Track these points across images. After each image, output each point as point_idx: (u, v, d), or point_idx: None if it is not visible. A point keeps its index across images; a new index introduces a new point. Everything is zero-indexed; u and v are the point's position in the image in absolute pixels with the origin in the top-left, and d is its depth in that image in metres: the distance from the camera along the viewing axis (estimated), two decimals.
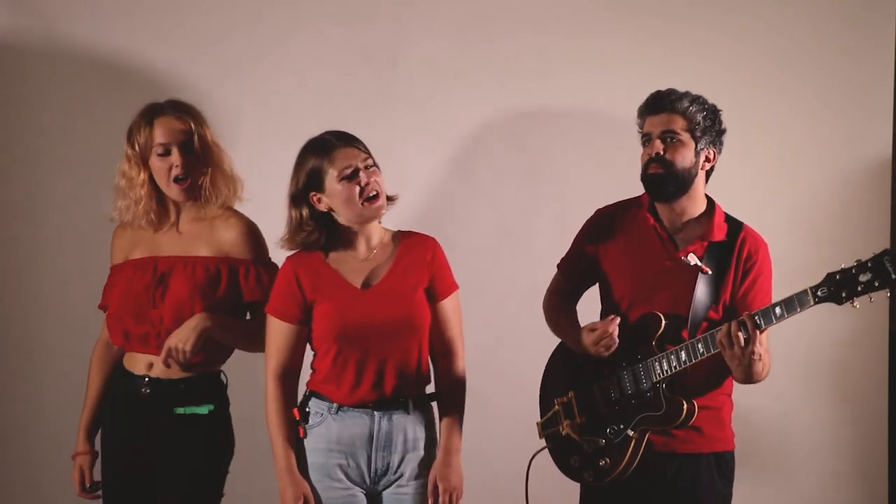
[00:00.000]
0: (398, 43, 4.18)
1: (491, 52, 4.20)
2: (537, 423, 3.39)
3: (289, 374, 3.15)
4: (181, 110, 3.24)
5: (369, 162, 3.12)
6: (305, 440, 3.13)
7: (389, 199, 3.15)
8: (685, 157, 3.24)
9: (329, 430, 3.10)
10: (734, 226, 3.30)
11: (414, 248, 3.16)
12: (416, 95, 4.17)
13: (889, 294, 2.92)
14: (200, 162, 3.23)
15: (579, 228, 3.45)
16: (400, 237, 3.19)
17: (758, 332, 3.04)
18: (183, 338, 3.17)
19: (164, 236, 3.28)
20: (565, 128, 4.23)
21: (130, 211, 3.25)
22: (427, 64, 4.19)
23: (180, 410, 3.23)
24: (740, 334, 3.03)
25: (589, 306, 3.47)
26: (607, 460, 3.22)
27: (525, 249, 4.11)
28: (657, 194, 3.27)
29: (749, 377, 3.14)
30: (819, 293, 2.97)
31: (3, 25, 4.00)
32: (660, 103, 3.26)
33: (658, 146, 3.23)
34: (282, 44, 4.13)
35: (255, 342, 3.25)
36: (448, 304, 3.18)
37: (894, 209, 4.34)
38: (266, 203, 4.12)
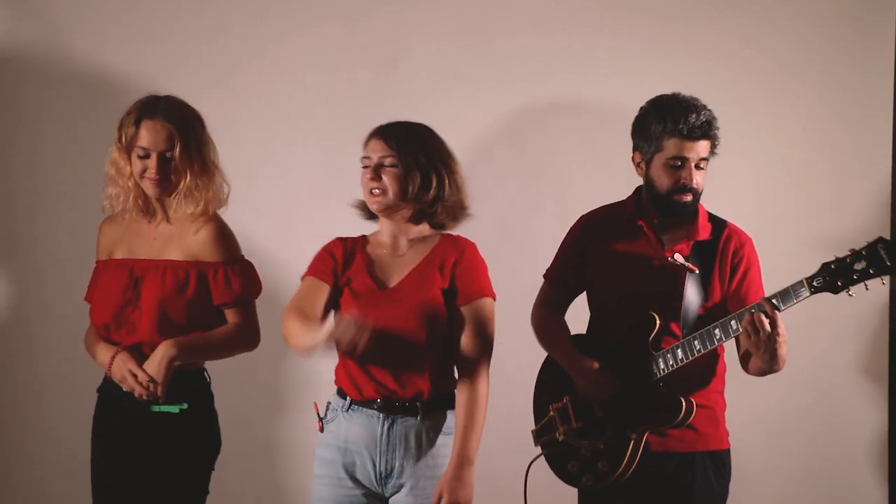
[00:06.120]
0: (398, 43, 4.18)
1: (491, 52, 4.20)
2: (532, 432, 3.38)
3: (303, 313, 3.06)
4: (171, 117, 3.22)
5: (389, 161, 3.09)
6: (321, 435, 3.12)
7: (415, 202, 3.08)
8: (704, 179, 3.23)
9: (339, 427, 3.09)
10: (718, 224, 3.29)
11: (444, 249, 3.10)
12: (416, 95, 4.16)
13: (884, 282, 2.92)
14: (179, 170, 3.23)
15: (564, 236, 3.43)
16: (440, 238, 3.13)
17: (778, 314, 3.00)
18: (154, 372, 3.21)
19: (142, 238, 3.29)
20: (565, 128, 4.23)
21: (120, 200, 3.28)
22: (427, 64, 4.19)
23: (156, 409, 3.25)
24: (764, 318, 2.99)
25: (579, 306, 3.47)
26: (606, 463, 3.22)
27: (525, 249, 4.10)
28: (676, 215, 3.25)
29: (775, 362, 3.08)
30: (815, 283, 2.97)
31: (2, 29, 4.00)
32: (698, 130, 3.17)
33: (696, 178, 3.19)
34: (282, 44, 4.13)
35: (231, 347, 3.31)
36: (469, 311, 3.07)
37: (894, 209, 4.34)
38: (266, 203, 4.14)
